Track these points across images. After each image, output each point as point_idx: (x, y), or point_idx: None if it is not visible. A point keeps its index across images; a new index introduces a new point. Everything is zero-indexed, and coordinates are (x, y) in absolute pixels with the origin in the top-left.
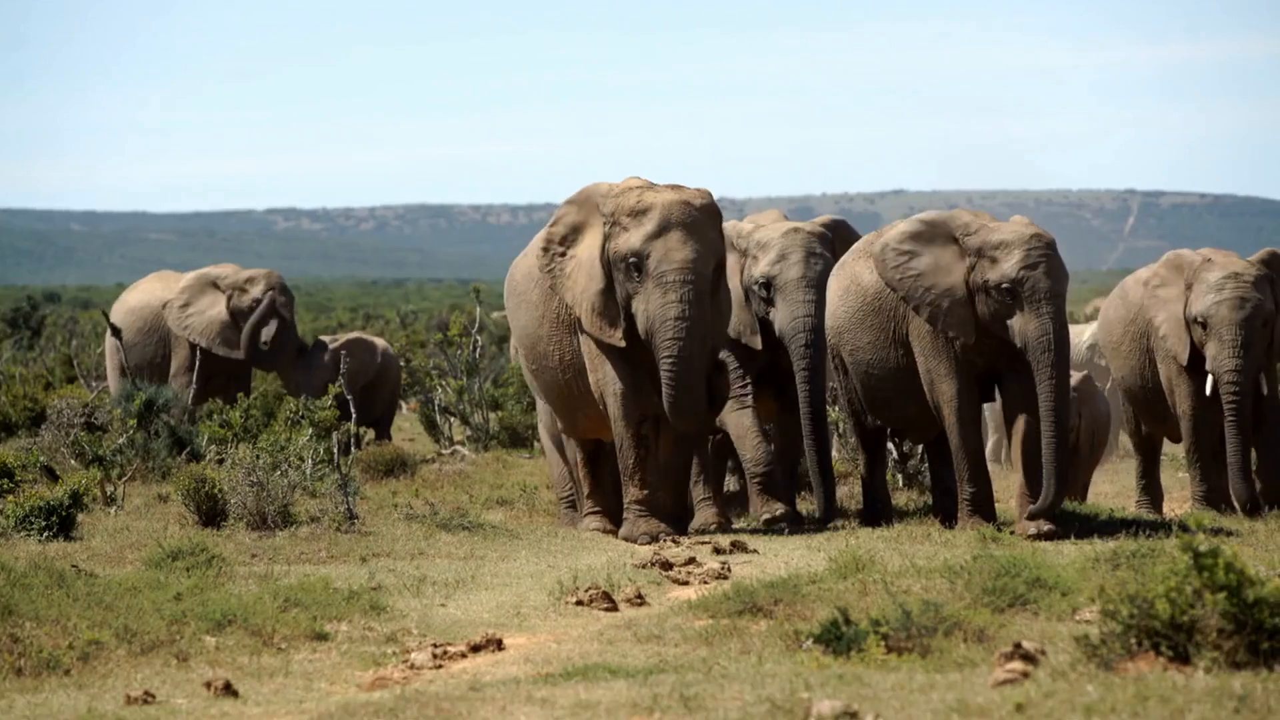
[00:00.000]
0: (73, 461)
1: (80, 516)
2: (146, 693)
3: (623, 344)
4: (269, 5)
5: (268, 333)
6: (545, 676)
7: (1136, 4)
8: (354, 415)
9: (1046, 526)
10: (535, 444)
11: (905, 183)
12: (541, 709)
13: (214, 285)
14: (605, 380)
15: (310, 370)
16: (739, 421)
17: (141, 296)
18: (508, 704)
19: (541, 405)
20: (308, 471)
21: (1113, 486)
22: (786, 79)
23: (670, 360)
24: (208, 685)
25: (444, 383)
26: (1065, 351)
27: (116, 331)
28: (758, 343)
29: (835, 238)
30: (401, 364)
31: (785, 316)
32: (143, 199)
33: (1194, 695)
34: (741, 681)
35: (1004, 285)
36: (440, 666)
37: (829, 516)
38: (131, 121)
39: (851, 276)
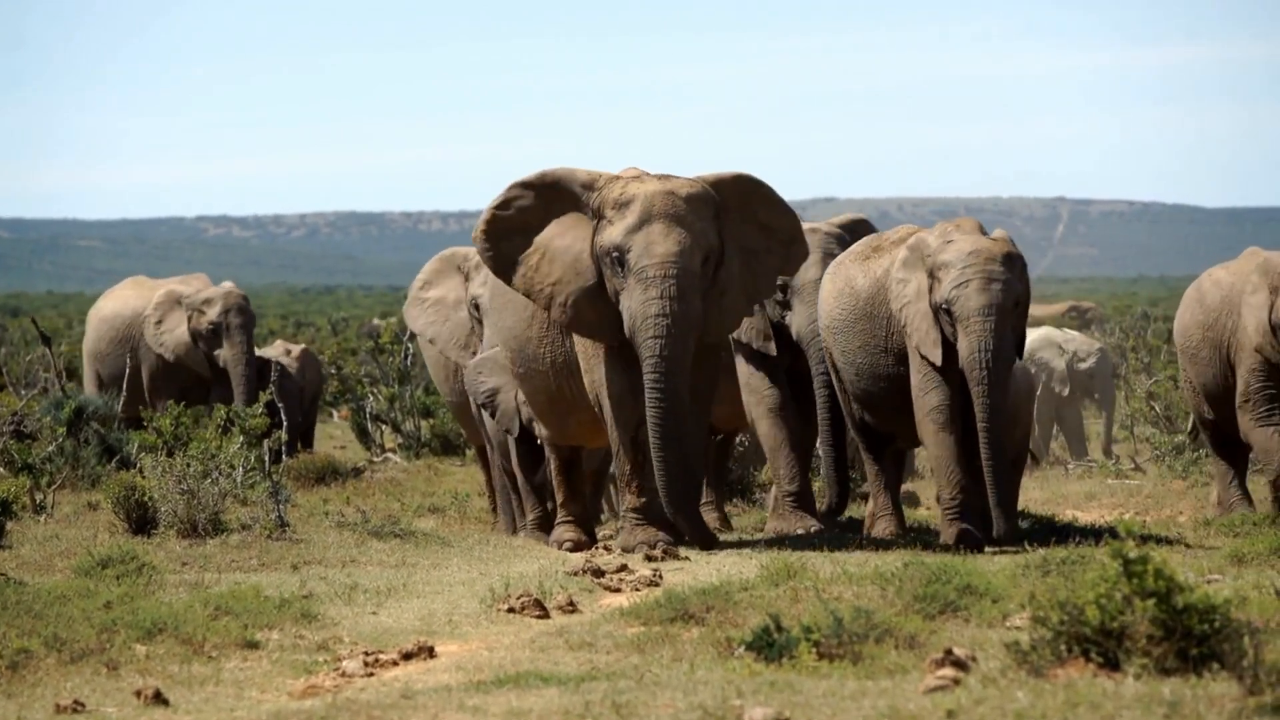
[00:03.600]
0: (2, 469)
1: (9, 524)
2: (76, 701)
3: (614, 343)
4: (197, 13)
5: (222, 356)
6: (477, 684)
7: (1064, 13)
8: (285, 423)
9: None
10: (467, 451)
11: (836, 190)
12: (473, 717)
13: (179, 303)
14: (599, 383)
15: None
16: (772, 434)
17: (115, 305)
18: (439, 712)
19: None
20: (238, 479)
21: (1044, 493)
22: (716, 86)
23: (651, 360)
24: (138, 694)
25: (375, 390)
26: (1000, 369)
27: (47, 340)
28: (772, 348)
29: (854, 237)
30: (333, 371)
31: (803, 320)
32: (72, 206)
33: (1124, 701)
34: (673, 689)
35: (943, 306)
36: (372, 674)
37: (838, 511)
38: (60, 128)
39: (846, 279)
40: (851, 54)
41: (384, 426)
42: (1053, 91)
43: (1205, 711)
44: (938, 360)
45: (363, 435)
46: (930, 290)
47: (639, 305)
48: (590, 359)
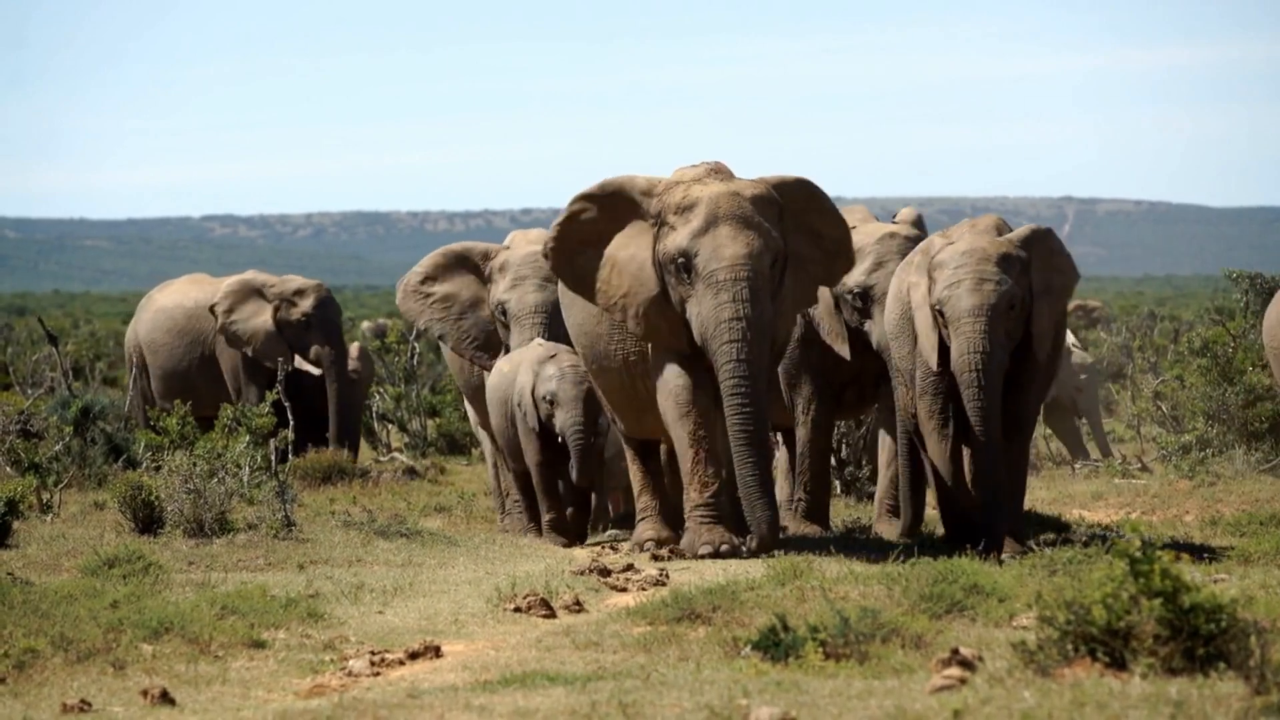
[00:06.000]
0: (8, 469)
1: (16, 524)
2: (83, 701)
3: (687, 351)
4: (203, 13)
5: (317, 351)
6: (483, 684)
7: (1071, 14)
8: (291, 422)
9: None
10: (473, 450)
11: (843, 190)
12: (480, 716)
13: (259, 293)
14: (664, 379)
15: (354, 383)
16: (808, 439)
17: (175, 298)
18: (446, 711)
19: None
20: (245, 479)
21: (1049, 493)
22: (720, 87)
23: (729, 366)
24: (144, 693)
25: (381, 390)
26: (993, 371)
27: (53, 340)
28: (846, 352)
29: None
30: None
31: (883, 330)
32: (78, 205)
33: (1130, 701)
34: (680, 688)
35: (936, 307)
36: (378, 674)
37: (913, 530)
38: (66, 127)
39: (898, 284)
40: (858, 54)
41: (390, 426)
42: (1059, 91)
43: (1212, 711)
44: (933, 364)
45: (369, 434)
46: (929, 292)
47: (710, 311)
48: (658, 356)
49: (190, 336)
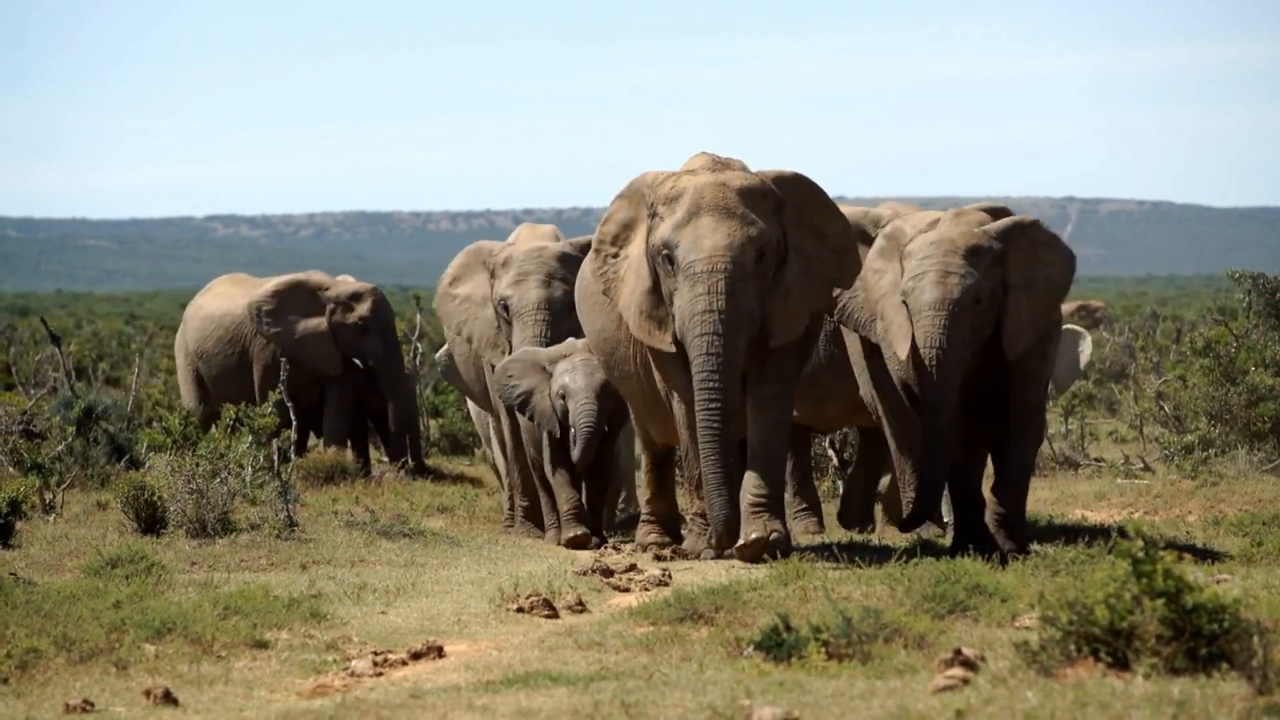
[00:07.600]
0: (11, 469)
1: (19, 524)
2: (85, 701)
3: (672, 349)
4: (206, 14)
5: (377, 358)
6: (486, 684)
7: (1066, 14)
8: (294, 422)
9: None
10: (475, 451)
11: (846, 189)
12: (482, 716)
13: (312, 295)
14: (672, 385)
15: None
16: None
17: (221, 304)
18: (448, 711)
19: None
20: (247, 479)
21: (1052, 493)
22: (722, 87)
23: (699, 359)
24: (147, 693)
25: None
26: (946, 365)
27: (56, 340)
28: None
29: None
30: None
31: None
32: (80, 205)
33: (1133, 701)
34: (682, 689)
35: (903, 299)
36: (381, 674)
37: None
38: (68, 127)
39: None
40: (858, 54)
41: None
42: (1059, 91)
43: (1214, 711)
44: (903, 353)
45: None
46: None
47: (687, 303)
48: (662, 360)
49: (241, 344)
